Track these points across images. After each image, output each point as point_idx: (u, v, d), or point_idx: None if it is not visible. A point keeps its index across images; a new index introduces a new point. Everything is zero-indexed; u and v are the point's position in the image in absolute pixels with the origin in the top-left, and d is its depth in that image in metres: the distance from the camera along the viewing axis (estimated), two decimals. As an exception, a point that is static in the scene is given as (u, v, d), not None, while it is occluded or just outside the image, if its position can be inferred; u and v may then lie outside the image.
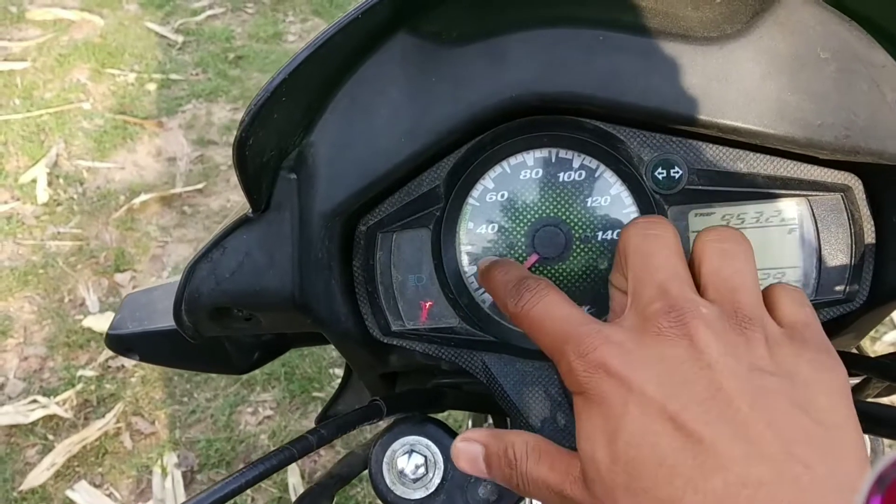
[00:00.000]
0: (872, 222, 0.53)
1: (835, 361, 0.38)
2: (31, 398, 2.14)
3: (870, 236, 0.53)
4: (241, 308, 0.51)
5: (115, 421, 2.09)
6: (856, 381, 0.60)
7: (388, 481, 0.55)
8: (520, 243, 0.54)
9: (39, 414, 2.09)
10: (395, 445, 0.56)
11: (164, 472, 2.00)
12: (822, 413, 0.34)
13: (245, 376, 2.20)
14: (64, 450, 2.02)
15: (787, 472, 0.32)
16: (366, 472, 0.58)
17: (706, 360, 0.35)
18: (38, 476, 1.96)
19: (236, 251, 0.48)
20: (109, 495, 1.96)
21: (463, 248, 0.55)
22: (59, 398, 2.14)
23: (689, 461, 0.33)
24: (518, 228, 0.54)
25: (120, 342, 0.71)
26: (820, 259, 0.54)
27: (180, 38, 3.53)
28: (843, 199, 0.54)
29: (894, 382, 0.48)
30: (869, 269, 0.53)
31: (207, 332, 0.53)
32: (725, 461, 0.32)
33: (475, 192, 0.55)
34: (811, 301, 0.54)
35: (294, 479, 1.97)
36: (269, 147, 0.46)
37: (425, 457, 0.56)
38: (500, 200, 0.55)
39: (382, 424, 0.57)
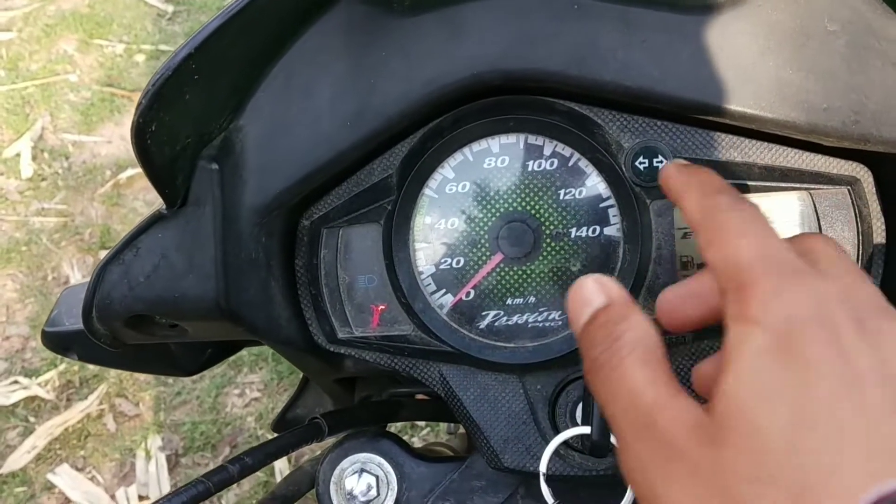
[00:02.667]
0: (882, 219, 0.48)
1: None
2: (12, 379, 2.09)
3: (879, 235, 0.48)
4: (160, 316, 0.45)
5: (98, 403, 2.05)
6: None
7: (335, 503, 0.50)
8: (482, 241, 0.48)
9: (21, 395, 2.05)
10: (344, 464, 0.51)
11: (148, 456, 1.96)
12: None
13: (232, 357, 2.15)
14: (45, 432, 1.98)
15: None
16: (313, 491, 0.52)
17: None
18: (19, 459, 1.92)
19: (151, 252, 0.42)
20: (92, 479, 1.93)
21: (418, 246, 0.49)
22: (41, 379, 2.09)
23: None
24: (481, 224, 0.48)
25: (57, 340, 0.65)
26: None
27: (170, 8, 3.43)
28: (850, 193, 0.48)
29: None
30: (878, 272, 0.48)
31: (129, 341, 0.48)
32: None
33: (432, 183, 0.49)
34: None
35: (280, 463, 1.92)
36: (182, 133, 0.39)
37: (377, 476, 0.51)
38: (461, 192, 0.48)
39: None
